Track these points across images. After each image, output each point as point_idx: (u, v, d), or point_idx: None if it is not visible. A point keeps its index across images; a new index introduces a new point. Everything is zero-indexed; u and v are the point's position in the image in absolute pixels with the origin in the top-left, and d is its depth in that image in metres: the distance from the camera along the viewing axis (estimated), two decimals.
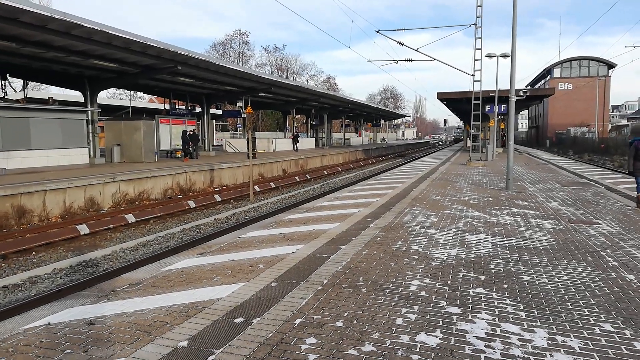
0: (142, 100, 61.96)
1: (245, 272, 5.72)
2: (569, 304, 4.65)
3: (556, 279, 5.40)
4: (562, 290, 5.04)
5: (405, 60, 28.18)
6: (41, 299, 7.15)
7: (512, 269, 5.81)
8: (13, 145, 17.14)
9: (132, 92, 59.52)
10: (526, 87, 73.49)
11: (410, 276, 5.49)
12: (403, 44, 25.21)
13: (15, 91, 28.79)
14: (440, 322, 4.19)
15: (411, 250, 6.67)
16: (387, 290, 4.99)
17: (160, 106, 40.94)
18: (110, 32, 15.83)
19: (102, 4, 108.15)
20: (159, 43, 18.19)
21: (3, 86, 22.42)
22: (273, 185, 22.32)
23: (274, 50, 76.61)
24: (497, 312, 4.41)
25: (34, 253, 10.51)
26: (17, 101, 19.69)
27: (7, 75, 21.99)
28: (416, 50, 25.62)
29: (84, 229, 12.07)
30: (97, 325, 4.13)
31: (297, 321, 4.18)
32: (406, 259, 6.21)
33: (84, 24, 14.86)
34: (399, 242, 7.16)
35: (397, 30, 25.58)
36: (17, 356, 3.58)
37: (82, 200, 14.57)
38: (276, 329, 4.01)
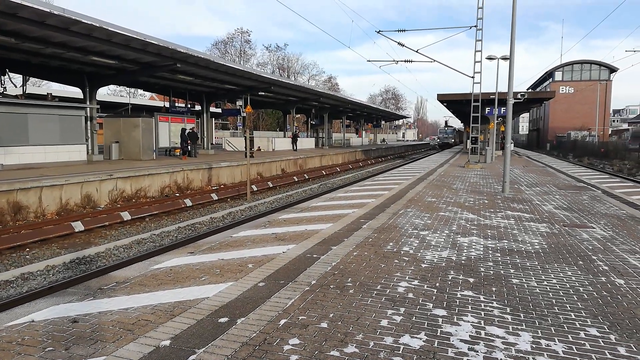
0: (143, 97, 62.00)
1: (233, 271, 5.70)
2: (556, 307, 4.63)
3: (545, 283, 5.38)
4: (550, 294, 5.03)
5: (405, 61, 28.15)
6: (27, 296, 7.13)
7: (502, 272, 5.80)
8: (11, 140, 17.13)
9: (132, 90, 59.49)
10: (528, 89, 73.54)
11: (399, 278, 5.47)
12: (404, 45, 25.17)
13: (15, 87, 28.80)
14: (426, 324, 4.18)
15: (402, 252, 6.65)
16: (375, 292, 4.98)
17: (161, 104, 40.93)
18: (109, 28, 15.80)
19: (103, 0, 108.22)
20: (159, 40, 18.18)
21: (3, 82, 22.45)
22: (271, 185, 22.30)
23: (275, 50, 76.58)
24: (483, 315, 4.39)
25: (27, 249, 10.51)
26: (15, 97, 19.70)
27: (7, 70, 22.02)
28: (416, 52, 25.61)
29: (78, 226, 12.06)
30: (80, 323, 4.12)
31: (282, 322, 4.17)
32: (396, 261, 6.19)
33: (83, 20, 14.85)
34: (391, 244, 7.14)
35: (398, 31, 25.34)
36: None
37: (78, 197, 14.56)
38: (260, 329, 4.00)
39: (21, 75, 23.55)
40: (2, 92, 21.08)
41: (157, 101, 49.36)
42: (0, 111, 16.81)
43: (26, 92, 23.03)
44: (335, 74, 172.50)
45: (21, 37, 15.92)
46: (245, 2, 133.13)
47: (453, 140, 70.68)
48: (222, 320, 4.20)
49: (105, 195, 15.56)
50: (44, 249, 10.63)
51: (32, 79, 34.82)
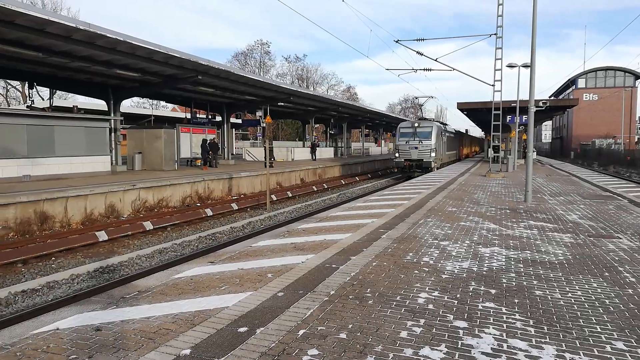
0: (165, 109, 63.03)
1: (253, 281, 5.74)
2: (581, 320, 4.52)
3: (569, 295, 5.26)
4: (574, 306, 4.91)
5: (424, 69, 28.01)
6: (52, 305, 7.29)
7: (525, 283, 5.69)
8: (38, 152, 17.62)
9: (155, 101, 60.68)
10: (550, 97, 72.39)
11: (419, 289, 5.42)
12: (422, 54, 25.12)
13: (43, 100, 29.62)
14: (446, 336, 4.12)
15: (422, 263, 6.60)
16: (394, 303, 4.94)
17: (183, 115, 41.58)
18: (133, 42, 16.21)
19: (126, 14, 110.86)
20: (181, 53, 18.54)
21: (30, 95, 23.16)
22: (290, 195, 22.39)
23: (294, 60, 77.27)
24: (505, 327, 4.32)
25: (53, 258, 10.75)
26: (42, 109, 20.27)
27: (35, 84, 22.72)
28: (435, 60, 25.52)
29: (102, 235, 12.30)
30: (103, 332, 4.19)
31: (301, 332, 4.17)
32: (416, 271, 6.14)
33: (108, 35, 15.26)
34: (410, 254, 7.09)
35: (417, 40, 25.31)
36: None
37: (102, 207, 14.85)
38: (279, 339, 4.00)
39: (48, 89, 24.25)
40: (30, 105, 21.75)
41: (179, 112, 50.12)
42: (28, 124, 17.33)
43: (53, 104, 23.70)
44: (354, 84, 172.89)
45: (48, 51, 16.43)
46: (264, 14, 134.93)
47: (434, 154, 30.53)
48: (242, 329, 4.22)
49: (129, 205, 15.84)
50: (69, 258, 10.87)
51: (59, 92, 35.82)
